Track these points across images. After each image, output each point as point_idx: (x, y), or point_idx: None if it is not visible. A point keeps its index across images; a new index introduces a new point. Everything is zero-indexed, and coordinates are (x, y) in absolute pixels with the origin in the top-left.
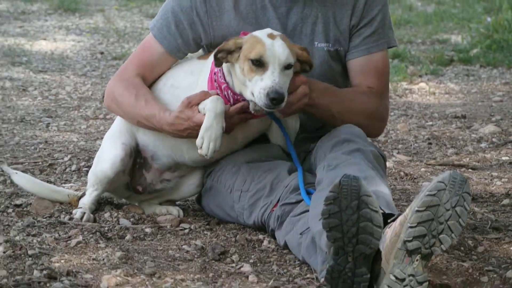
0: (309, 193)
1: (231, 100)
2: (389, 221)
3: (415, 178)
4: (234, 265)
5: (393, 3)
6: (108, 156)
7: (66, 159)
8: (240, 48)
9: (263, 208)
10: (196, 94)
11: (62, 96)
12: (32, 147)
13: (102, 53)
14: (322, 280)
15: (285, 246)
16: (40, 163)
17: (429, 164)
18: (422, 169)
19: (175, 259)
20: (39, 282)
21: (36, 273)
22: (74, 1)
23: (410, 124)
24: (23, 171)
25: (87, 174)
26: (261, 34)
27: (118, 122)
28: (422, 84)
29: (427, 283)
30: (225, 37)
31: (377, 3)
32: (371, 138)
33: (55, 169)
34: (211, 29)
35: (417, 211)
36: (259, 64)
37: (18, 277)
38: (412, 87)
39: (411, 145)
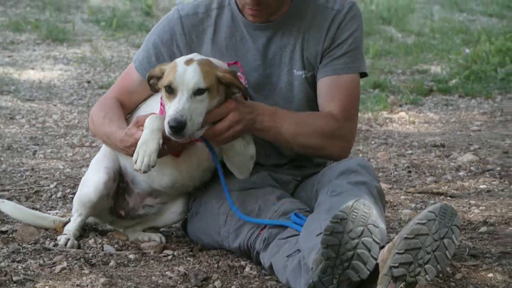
0: (297, 216)
1: None
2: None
3: (394, 206)
4: None
5: (374, 34)
6: (92, 180)
7: (52, 186)
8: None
9: (250, 231)
10: (146, 115)
11: (49, 124)
12: (19, 174)
13: (89, 82)
14: None
15: (270, 268)
16: (26, 190)
17: (409, 192)
18: (402, 197)
19: (158, 285)
20: None
21: None
22: (62, 31)
23: (390, 152)
24: (9, 198)
25: (72, 201)
26: (181, 60)
27: (103, 148)
28: (402, 114)
29: None
30: None
31: (349, 27)
32: (333, 160)
33: (41, 196)
34: None
35: (406, 238)
36: (170, 90)
37: None
38: (393, 116)
39: (391, 173)
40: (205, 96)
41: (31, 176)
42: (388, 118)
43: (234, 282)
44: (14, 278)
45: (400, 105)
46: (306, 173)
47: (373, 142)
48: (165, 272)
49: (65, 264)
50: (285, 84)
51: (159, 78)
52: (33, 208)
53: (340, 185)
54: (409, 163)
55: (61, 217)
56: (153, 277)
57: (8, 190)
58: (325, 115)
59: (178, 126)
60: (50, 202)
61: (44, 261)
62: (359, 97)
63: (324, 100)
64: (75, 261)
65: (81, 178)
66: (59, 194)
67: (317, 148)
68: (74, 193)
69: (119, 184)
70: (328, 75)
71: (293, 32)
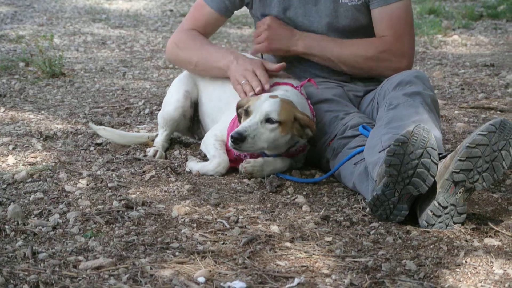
0: (364, 128)
1: None
2: (440, 157)
3: (449, 120)
4: (289, 196)
5: None
6: (173, 99)
7: (140, 103)
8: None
9: (320, 141)
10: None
11: (137, 49)
12: (111, 93)
13: (171, 10)
14: (366, 201)
15: (338, 175)
16: (118, 107)
17: (462, 107)
18: (456, 112)
19: (237, 191)
20: (118, 211)
21: (115, 203)
22: None
23: (444, 72)
24: (102, 114)
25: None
26: (266, 94)
27: (186, 71)
28: (455, 37)
29: (465, 215)
30: None
31: None
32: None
33: (131, 112)
34: None
35: (468, 146)
36: (247, 113)
37: (99, 207)
38: (446, 39)
39: (445, 91)
40: (276, 127)
41: (121, 94)
42: (442, 41)
43: (305, 189)
44: (109, 185)
45: (453, 29)
46: (368, 88)
47: (429, 62)
48: (243, 180)
49: (153, 172)
50: (330, 11)
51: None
52: (123, 123)
53: (396, 97)
54: (462, 81)
55: (148, 131)
56: (232, 184)
57: (101, 107)
58: (373, 40)
59: (238, 138)
60: (139, 118)
61: (135, 170)
62: (412, 19)
63: (378, 28)
64: (163, 170)
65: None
66: (146, 111)
67: (364, 68)
68: (159, 110)
69: (195, 111)
70: (381, 5)
71: None
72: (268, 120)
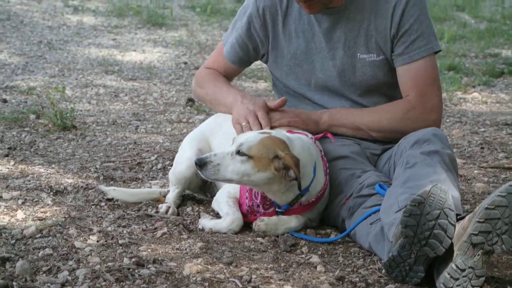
0: (381, 187)
1: None
2: (458, 218)
3: (468, 179)
4: (303, 256)
5: (449, 19)
6: (185, 157)
7: (152, 158)
8: None
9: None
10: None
11: (150, 102)
12: (123, 147)
13: (185, 63)
14: (382, 262)
15: (354, 235)
16: (130, 161)
17: (482, 167)
18: (475, 171)
19: (251, 250)
20: (128, 269)
21: (126, 260)
22: (161, 16)
23: (464, 130)
24: (114, 169)
25: None
26: (261, 130)
27: (199, 129)
28: (475, 94)
29: (484, 278)
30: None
31: (413, 12)
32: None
33: (143, 167)
34: (267, 39)
35: (487, 208)
36: (231, 143)
37: (110, 264)
38: (466, 96)
39: (465, 149)
40: (245, 159)
41: (133, 149)
42: (462, 98)
43: (320, 248)
44: (120, 241)
45: (473, 86)
46: (386, 146)
47: (448, 120)
48: (256, 238)
49: (165, 229)
50: (347, 66)
51: None
52: (135, 179)
53: (413, 155)
54: (482, 140)
55: (160, 186)
56: (245, 243)
57: (113, 162)
58: (398, 102)
59: (197, 163)
60: (151, 173)
61: (146, 227)
62: (437, 74)
63: (403, 87)
64: (175, 227)
65: None
66: (159, 166)
67: (394, 131)
68: (172, 165)
69: None
70: (405, 63)
71: (357, 18)
72: (238, 152)
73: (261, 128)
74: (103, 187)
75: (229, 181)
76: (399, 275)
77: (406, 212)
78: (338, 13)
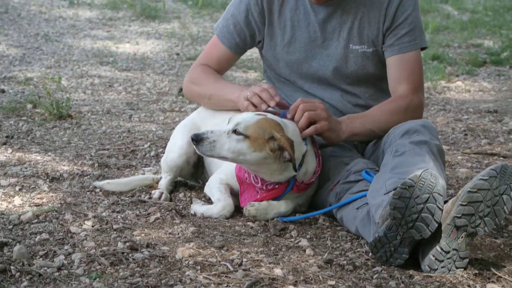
0: (367, 173)
1: None
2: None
3: (452, 165)
4: (293, 240)
5: (433, 11)
6: (177, 145)
7: (146, 146)
8: None
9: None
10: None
11: (143, 91)
12: (117, 135)
13: (178, 54)
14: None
15: (341, 220)
16: (124, 149)
17: (465, 153)
18: (459, 157)
19: (241, 234)
20: (122, 253)
21: (120, 245)
22: (154, 9)
23: (448, 117)
24: (108, 156)
25: None
26: (255, 112)
27: (190, 118)
28: (459, 83)
29: (468, 260)
30: (271, 36)
31: (407, 7)
32: None
33: (136, 154)
34: (263, 26)
35: (469, 191)
36: (228, 122)
37: (104, 248)
38: (450, 85)
39: (449, 136)
40: (241, 139)
41: (127, 137)
42: (446, 87)
43: (309, 232)
44: (114, 226)
45: (457, 75)
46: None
47: (432, 108)
48: (247, 222)
49: (158, 214)
50: (340, 56)
51: None
52: (129, 166)
53: (402, 144)
54: (465, 127)
55: (153, 173)
56: (236, 227)
57: (108, 149)
58: (396, 100)
59: (193, 138)
60: (144, 160)
61: (140, 212)
62: (422, 68)
63: (394, 78)
64: (167, 212)
65: None
66: (152, 153)
67: (393, 125)
68: (164, 153)
69: (199, 157)
70: (395, 54)
71: (352, 10)
72: (235, 131)
73: (272, 97)
74: (97, 183)
75: (224, 158)
76: (383, 256)
77: (396, 194)
78: (334, 5)
